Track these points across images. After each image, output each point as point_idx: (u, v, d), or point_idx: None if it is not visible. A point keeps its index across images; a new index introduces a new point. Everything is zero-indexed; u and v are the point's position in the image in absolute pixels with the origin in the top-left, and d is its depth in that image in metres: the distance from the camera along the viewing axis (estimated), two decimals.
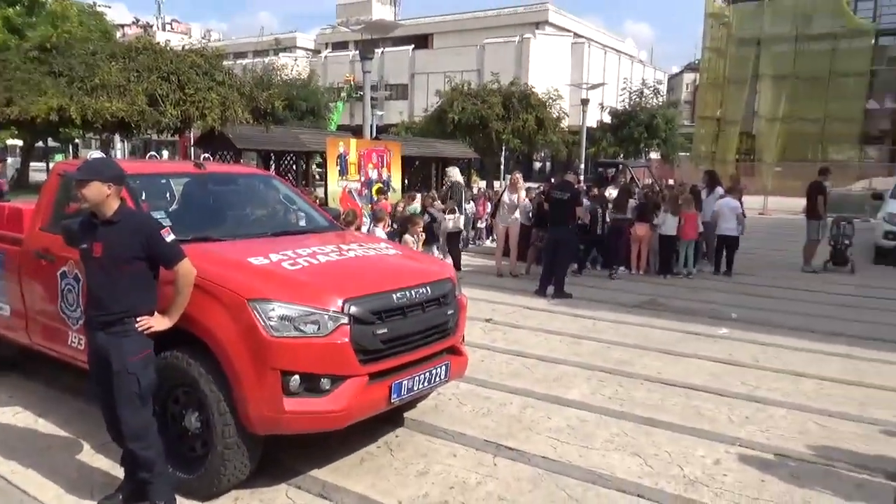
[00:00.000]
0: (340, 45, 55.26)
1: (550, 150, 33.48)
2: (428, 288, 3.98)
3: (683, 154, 35.98)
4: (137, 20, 68.23)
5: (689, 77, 58.18)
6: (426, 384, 3.95)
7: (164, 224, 3.45)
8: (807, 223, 11.90)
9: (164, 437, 3.38)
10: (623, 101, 33.48)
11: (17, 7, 22.28)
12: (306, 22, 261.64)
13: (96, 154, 20.66)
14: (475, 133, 27.11)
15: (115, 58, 16.60)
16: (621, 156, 30.56)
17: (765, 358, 6.40)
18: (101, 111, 15.41)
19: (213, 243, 4.07)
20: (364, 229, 8.50)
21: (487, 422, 4.68)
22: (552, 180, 11.37)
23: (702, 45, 37.60)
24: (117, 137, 23.17)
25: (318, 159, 19.43)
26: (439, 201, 10.44)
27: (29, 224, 4.75)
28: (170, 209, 4.61)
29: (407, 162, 17.74)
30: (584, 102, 27.48)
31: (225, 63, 20.42)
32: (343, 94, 44.15)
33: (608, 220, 10.99)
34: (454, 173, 11.11)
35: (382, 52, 45.98)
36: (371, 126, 18.21)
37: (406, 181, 17.67)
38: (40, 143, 29.85)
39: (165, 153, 41.59)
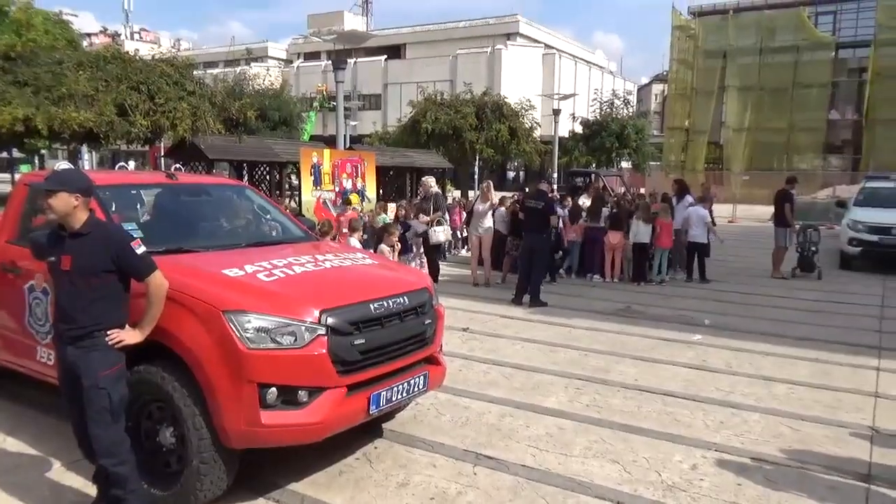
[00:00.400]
0: (312, 56, 55.21)
1: (524, 159, 33.74)
2: (405, 298, 3.96)
3: (654, 163, 36.58)
4: (105, 29, 67.38)
5: (657, 88, 59.21)
6: (405, 395, 3.92)
7: (134, 236, 3.39)
8: (775, 230, 12.17)
9: (137, 453, 3.30)
10: (594, 111, 33.92)
11: None
12: (278, 32, 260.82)
13: (64, 164, 20.23)
14: (449, 143, 27.21)
15: (83, 67, 16.28)
16: (593, 165, 30.91)
17: (737, 363, 6.50)
18: (69, 121, 15.06)
19: (186, 255, 4.00)
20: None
21: (466, 431, 4.67)
22: (526, 189, 11.44)
23: (669, 57, 38.48)
24: (85, 148, 22.67)
25: (291, 169, 19.26)
26: (423, 214, 10.32)
27: None
28: (141, 220, 4.52)
29: (381, 172, 17.71)
30: (556, 112, 27.85)
31: (195, 73, 20.17)
32: (315, 104, 44.04)
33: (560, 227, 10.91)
34: (432, 183, 11.03)
35: (355, 63, 46.03)
36: (345, 136, 18.16)
37: (381, 191, 17.62)
38: (5, 154, 29.18)
39: (132, 164, 40.98)
